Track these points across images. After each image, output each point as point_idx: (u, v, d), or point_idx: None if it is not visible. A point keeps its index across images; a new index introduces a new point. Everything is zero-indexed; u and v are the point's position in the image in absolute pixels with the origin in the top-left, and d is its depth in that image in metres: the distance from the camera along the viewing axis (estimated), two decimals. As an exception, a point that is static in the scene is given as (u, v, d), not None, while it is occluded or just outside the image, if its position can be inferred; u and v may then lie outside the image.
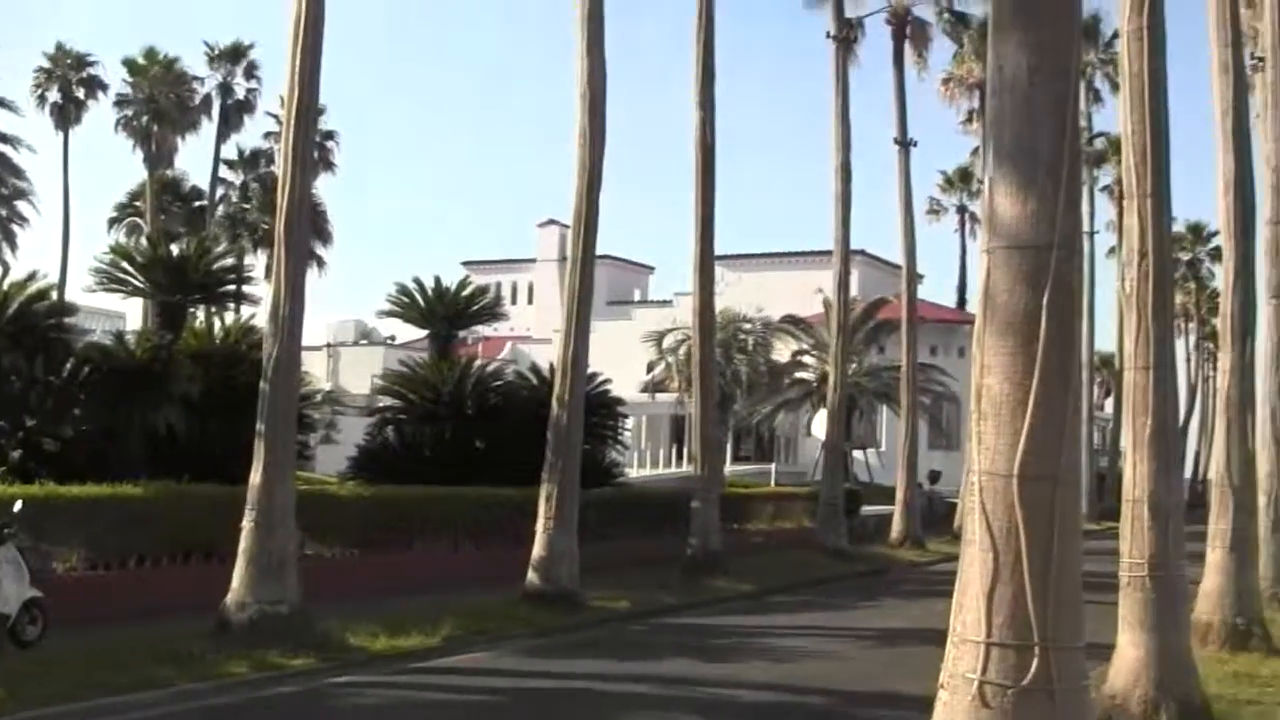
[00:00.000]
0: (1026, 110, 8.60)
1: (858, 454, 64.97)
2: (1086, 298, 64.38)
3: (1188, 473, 79.77)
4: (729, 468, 58.06)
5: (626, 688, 17.14)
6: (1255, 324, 22.62)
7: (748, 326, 59.38)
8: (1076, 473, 8.59)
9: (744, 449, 71.36)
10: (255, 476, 18.57)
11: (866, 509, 48.06)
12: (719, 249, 34.86)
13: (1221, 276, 22.77)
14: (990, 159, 8.98)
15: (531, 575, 24.46)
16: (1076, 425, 8.60)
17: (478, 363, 38.66)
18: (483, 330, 56.29)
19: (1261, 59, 31.54)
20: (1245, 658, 18.68)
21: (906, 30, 46.75)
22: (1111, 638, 14.37)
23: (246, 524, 18.43)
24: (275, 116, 62.74)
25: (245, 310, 36.46)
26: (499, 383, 36.80)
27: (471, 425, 34.38)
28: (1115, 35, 17.68)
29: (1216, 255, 37.08)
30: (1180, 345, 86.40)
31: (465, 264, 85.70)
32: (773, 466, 60.73)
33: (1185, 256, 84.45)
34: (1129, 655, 14.08)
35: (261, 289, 36.40)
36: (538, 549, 24.57)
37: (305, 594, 18.70)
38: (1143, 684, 13.77)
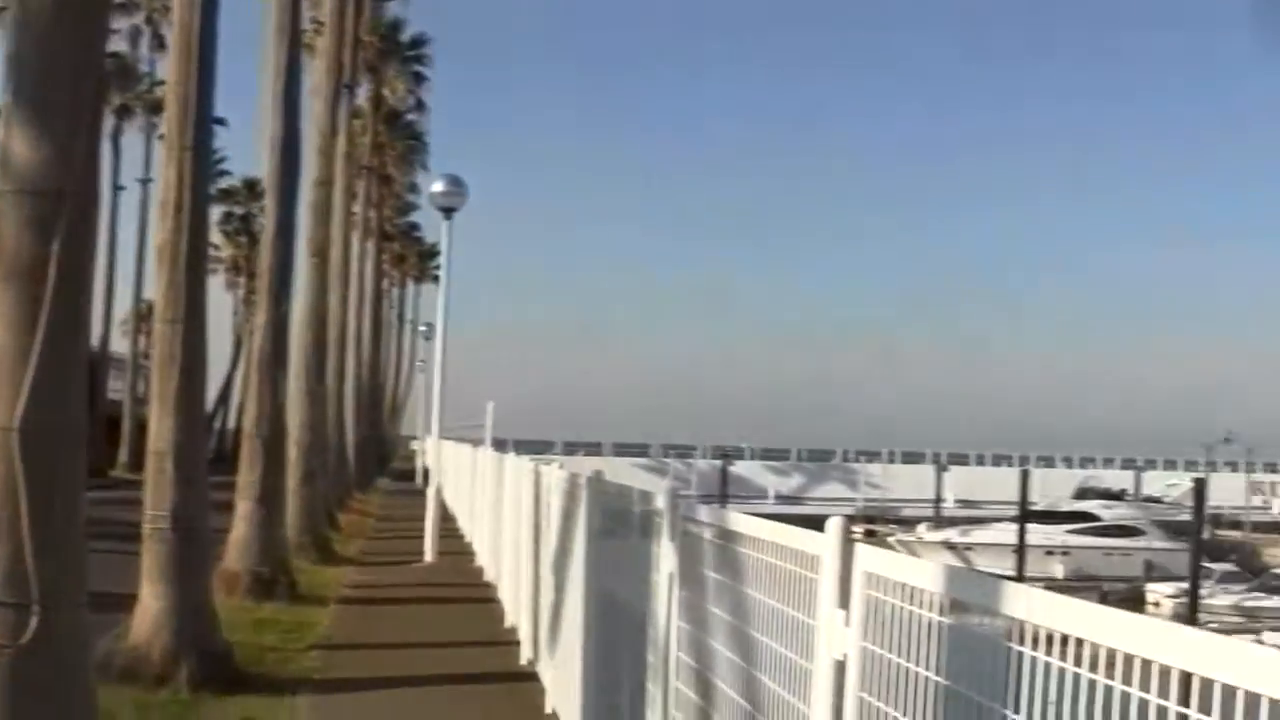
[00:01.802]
0: (49, 51, 8.21)
1: None
2: (137, 245, 63.89)
3: (232, 424, 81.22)
4: None
5: None
6: (296, 281, 23.23)
7: None
8: (81, 426, 8.35)
9: None
10: None
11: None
12: None
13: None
14: (9, 99, 8.47)
15: None
16: (83, 378, 8.38)
17: None
18: None
19: (322, 23, 32.44)
20: (271, 606, 19.24)
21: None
22: (139, 589, 14.23)
23: None
24: None
25: None
26: None
27: None
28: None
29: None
30: (230, 298, 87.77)
31: None
32: None
33: (240, 211, 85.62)
34: (151, 607, 13.95)
35: None
36: None
37: None
38: (164, 635, 13.66)
